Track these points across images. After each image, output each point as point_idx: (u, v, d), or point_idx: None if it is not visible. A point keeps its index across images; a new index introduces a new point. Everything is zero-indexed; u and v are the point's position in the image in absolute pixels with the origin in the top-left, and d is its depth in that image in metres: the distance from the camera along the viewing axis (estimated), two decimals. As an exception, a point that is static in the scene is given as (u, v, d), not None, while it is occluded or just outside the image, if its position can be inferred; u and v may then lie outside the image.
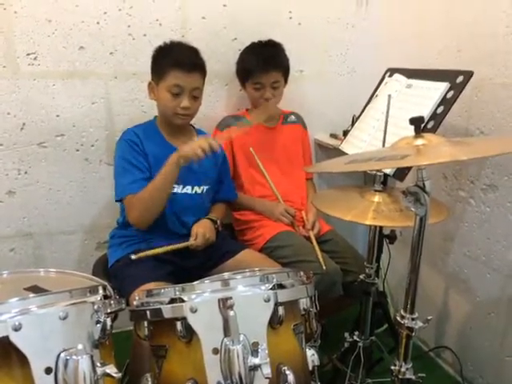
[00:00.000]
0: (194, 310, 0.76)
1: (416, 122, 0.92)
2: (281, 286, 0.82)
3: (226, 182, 1.71)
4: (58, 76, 1.70)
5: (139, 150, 1.45)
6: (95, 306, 0.73)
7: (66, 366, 0.65)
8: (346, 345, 1.49)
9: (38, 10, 1.61)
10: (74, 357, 0.65)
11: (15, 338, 0.63)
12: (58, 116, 1.73)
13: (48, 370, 0.64)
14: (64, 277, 1.19)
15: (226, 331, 0.75)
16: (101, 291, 0.78)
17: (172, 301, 0.79)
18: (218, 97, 1.94)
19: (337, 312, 1.77)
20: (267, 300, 0.79)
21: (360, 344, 1.44)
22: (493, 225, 1.59)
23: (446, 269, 1.82)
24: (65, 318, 0.67)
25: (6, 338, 0.63)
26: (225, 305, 0.76)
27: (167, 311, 0.79)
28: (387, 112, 1.27)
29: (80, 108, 1.75)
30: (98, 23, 1.69)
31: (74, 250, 1.90)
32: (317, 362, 0.94)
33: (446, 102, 1.38)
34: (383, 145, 1.32)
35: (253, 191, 1.82)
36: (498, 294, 1.59)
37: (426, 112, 1.41)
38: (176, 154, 1.36)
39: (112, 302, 0.79)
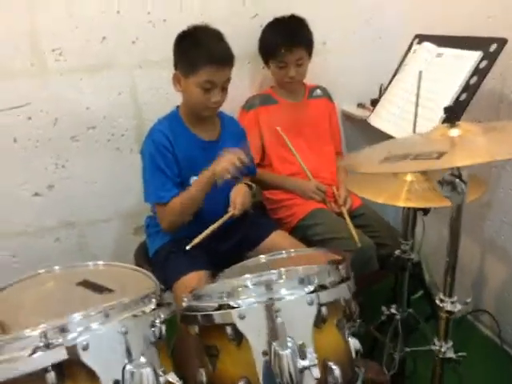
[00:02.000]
0: (242, 317, 0.81)
1: (450, 111, 0.91)
2: (322, 287, 0.86)
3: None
4: (83, 69, 1.71)
5: (170, 156, 1.43)
6: (151, 318, 0.78)
7: (132, 377, 0.71)
8: (383, 317, 1.53)
9: (59, 5, 1.61)
10: (139, 369, 0.71)
11: (85, 357, 0.69)
12: (87, 109, 1.76)
13: (116, 383, 0.71)
14: (111, 269, 1.24)
15: (274, 336, 0.80)
16: (154, 299, 0.83)
17: (220, 307, 0.84)
18: (241, 76, 1.91)
19: (372, 285, 1.80)
20: (311, 303, 0.82)
21: (398, 317, 1.48)
22: (530, 190, 1.57)
23: (482, 235, 1.82)
24: (126, 333, 0.73)
25: (77, 357, 0.69)
26: (271, 311, 0.80)
27: (217, 317, 0.84)
28: (418, 92, 1.24)
29: (108, 99, 1.78)
30: (118, 12, 1.68)
31: (113, 236, 1.98)
32: (358, 347, 0.97)
33: (480, 73, 1.34)
34: (414, 129, 1.29)
35: (282, 170, 1.83)
36: (536, 259, 1.59)
37: (458, 83, 1.37)
38: (210, 173, 1.36)
39: (165, 308, 0.84)
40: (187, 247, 1.40)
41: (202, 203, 1.44)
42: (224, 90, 1.44)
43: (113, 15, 1.68)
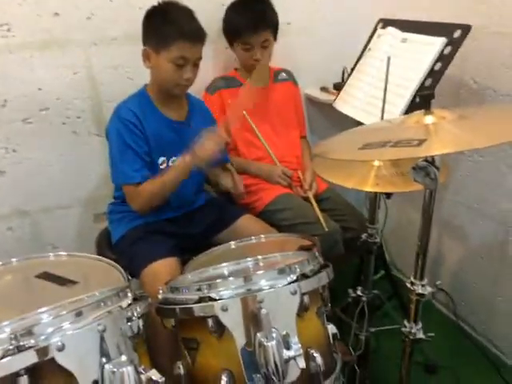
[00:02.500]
0: (224, 309, 0.79)
1: (425, 97, 0.91)
2: (304, 276, 0.85)
3: None
4: (34, 47, 1.60)
5: (138, 133, 1.38)
6: (129, 313, 0.75)
7: (112, 377, 0.67)
8: (350, 300, 1.56)
9: (6, -23, 1.49)
10: (119, 368, 0.67)
11: (61, 359, 0.65)
12: (39, 89, 1.65)
13: (95, 383, 0.67)
14: (74, 260, 1.18)
15: (259, 327, 0.78)
16: (129, 294, 0.79)
17: (201, 299, 0.81)
18: (204, 56, 1.80)
19: (338, 268, 1.83)
20: (294, 293, 0.82)
21: (364, 299, 1.51)
22: (485, 174, 1.64)
23: (439, 216, 1.88)
24: (104, 331, 0.69)
25: (52, 359, 0.64)
26: (254, 302, 0.79)
27: (198, 310, 0.81)
28: (386, 78, 1.24)
29: (62, 79, 1.67)
30: (71, -14, 1.58)
31: (71, 223, 1.89)
32: (335, 331, 0.98)
33: (444, 58, 1.36)
34: (382, 115, 1.30)
35: (248, 154, 1.81)
36: (491, 239, 1.67)
37: (423, 69, 1.39)
38: (189, 159, 1.32)
39: (141, 302, 0.81)
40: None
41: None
42: (196, 68, 1.41)
43: (66, -12, 1.57)
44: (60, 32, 1.61)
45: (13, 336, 0.64)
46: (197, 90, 1.80)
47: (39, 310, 0.71)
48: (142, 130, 1.39)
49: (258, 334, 0.78)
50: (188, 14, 1.40)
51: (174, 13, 1.38)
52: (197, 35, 1.38)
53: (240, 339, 0.80)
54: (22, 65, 1.60)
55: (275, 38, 1.74)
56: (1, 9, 1.51)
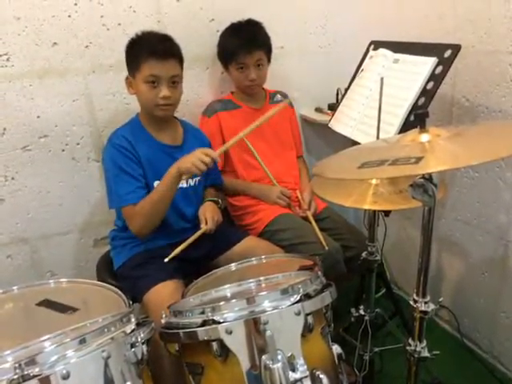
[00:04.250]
0: (229, 332, 0.78)
1: (420, 116, 0.93)
2: (307, 296, 0.85)
3: (213, 168, 1.69)
4: (33, 75, 1.62)
5: (131, 156, 1.41)
6: (132, 339, 0.74)
7: (118, 405, 0.67)
8: (353, 319, 1.55)
9: (5, 8, 1.52)
10: (125, 396, 0.67)
11: (66, 387, 0.64)
12: (38, 117, 1.67)
13: (100, 411, 0.66)
14: (75, 286, 1.18)
15: (264, 349, 0.78)
16: (133, 319, 0.79)
17: (204, 323, 0.81)
18: (200, 81, 1.89)
19: (339, 287, 1.82)
20: (298, 313, 0.82)
21: (366, 318, 1.51)
22: (482, 189, 1.65)
23: (438, 233, 1.89)
24: (108, 358, 0.68)
25: (57, 388, 0.64)
26: (259, 324, 0.78)
27: (202, 334, 0.80)
28: (380, 98, 1.27)
29: (60, 106, 1.69)
30: (69, 16, 1.61)
31: (71, 250, 1.88)
32: (340, 352, 0.98)
33: (436, 78, 1.39)
34: (378, 135, 1.32)
35: (246, 175, 1.82)
36: (491, 255, 1.67)
37: (415, 88, 1.41)
38: (176, 168, 1.32)
39: (145, 327, 0.80)
40: (165, 260, 1.38)
41: (169, 207, 1.41)
42: (174, 87, 1.42)
43: (64, 19, 1.60)
44: (59, 61, 1.64)
45: (17, 365, 0.63)
46: (194, 113, 1.84)
47: (42, 338, 0.71)
48: (136, 155, 1.42)
49: (264, 357, 0.78)
50: (160, 36, 1.44)
51: (144, 37, 1.43)
52: (166, 52, 1.38)
53: (245, 362, 0.80)
54: (21, 93, 1.62)
55: (269, 60, 1.78)
56: (0, 39, 1.53)
